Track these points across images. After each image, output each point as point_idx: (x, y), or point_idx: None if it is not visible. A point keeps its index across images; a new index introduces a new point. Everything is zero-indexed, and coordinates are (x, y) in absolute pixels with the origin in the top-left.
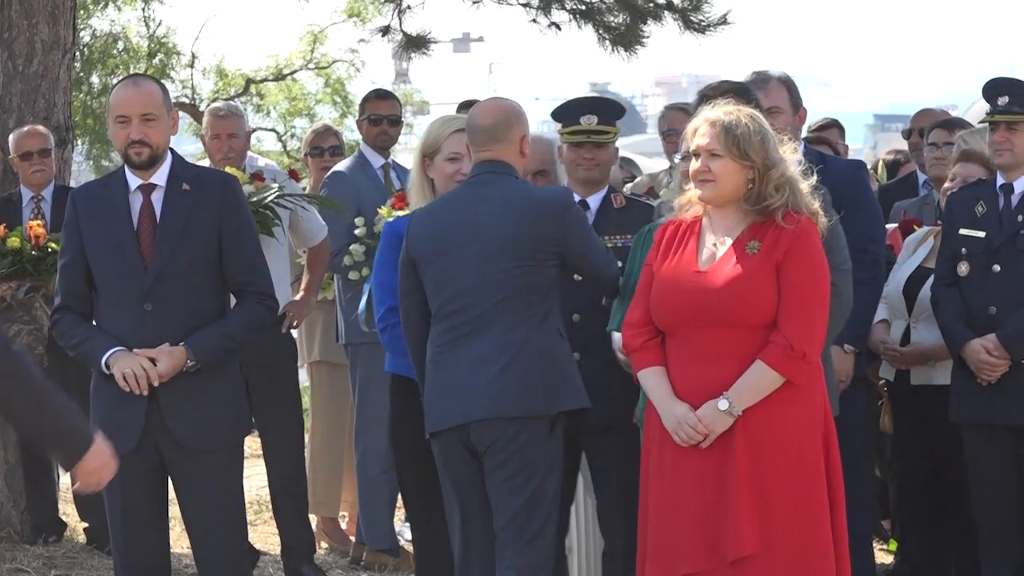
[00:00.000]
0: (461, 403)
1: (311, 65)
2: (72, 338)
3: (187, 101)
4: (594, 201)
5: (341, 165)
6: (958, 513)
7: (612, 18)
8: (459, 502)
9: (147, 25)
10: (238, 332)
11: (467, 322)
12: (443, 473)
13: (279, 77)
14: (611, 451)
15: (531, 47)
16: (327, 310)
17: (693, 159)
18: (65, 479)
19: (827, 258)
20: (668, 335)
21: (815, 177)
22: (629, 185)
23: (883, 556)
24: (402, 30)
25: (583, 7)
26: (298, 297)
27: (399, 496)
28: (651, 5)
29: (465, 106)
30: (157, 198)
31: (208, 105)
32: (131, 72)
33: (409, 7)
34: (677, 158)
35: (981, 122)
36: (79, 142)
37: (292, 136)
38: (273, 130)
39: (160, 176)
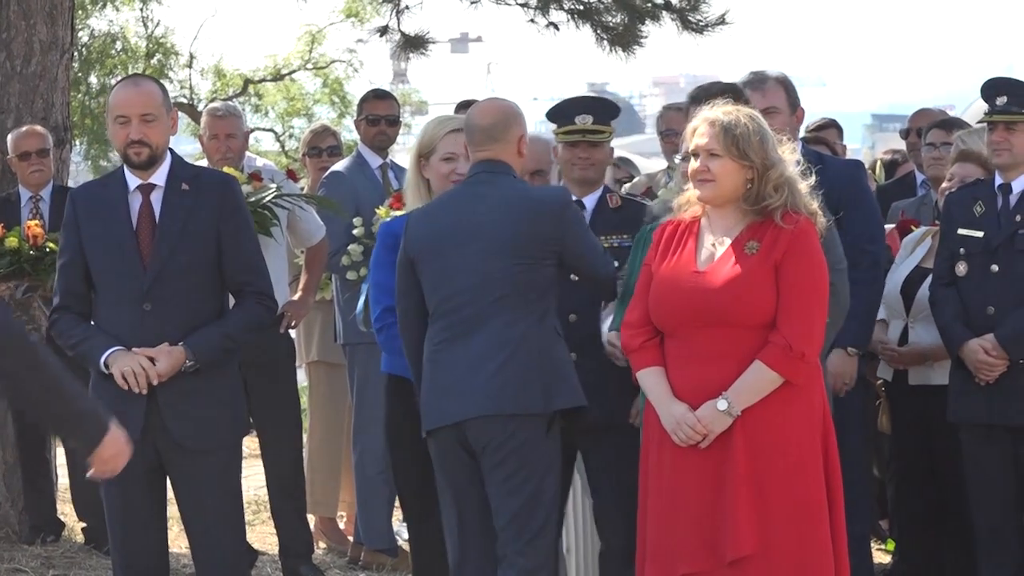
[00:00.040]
0: (458, 401)
1: (309, 65)
2: (71, 338)
3: (185, 101)
4: (590, 201)
5: (339, 165)
6: (956, 513)
7: (610, 18)
8: (455, 502)
9: (145, 25)
10: (237, 332)
11: (465, 320)
12: (439, 472)
13: (277, 77)
14: (608, 451)
15: (529, 47)
16: (325, 310)
17: (692, 159)
18: (63, 479)
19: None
20: (667, 335)
21: (814, 177)
22: (627, 185)
23: (881, 556)
24: (400, 30)
25: (581, 7)
26: (296, 297)
27: (397, 496)
28: (649, 5)
29: (463, 106)
30: (156, 198)
31: (206, 105)
32: (129, 72)
33: (407, 7)
34: (677, 158)
35: (980, 122)
36: (77, 142)
37: (290, 136)
38: (271, 130)
39: (159, 176)
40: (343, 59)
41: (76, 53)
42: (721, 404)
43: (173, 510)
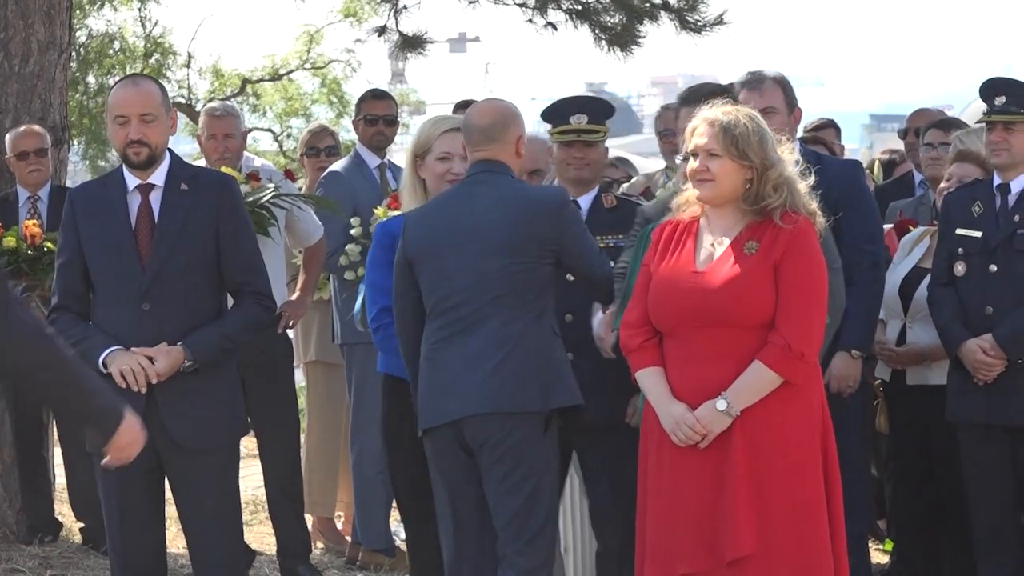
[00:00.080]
0: (455, 399)
1: (307, 65)
2: (69, 337)
3: (183, 101)
4: (585, 201)
5: (337, 165)
6: (954, 513)
7: (608, 18)
8: (451, 501)
9: (143, 25)
10: (236, 332)
11: (462, 318)
12: (435, 471)
13: (275, 77)
14: (604, 451)
15: (527, 47)
16: (323, 310)
17: (691, 159)
18: (61, 479)
19: None
20: (666, 335)
21: (813, 177)
22: (625, 185)
23: (879, 556)
24: (398, 30)
25: (579, 7)
26: (294, 297)
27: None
28: (647, 5)
29: (461, 106)
30: (155, 198)
31: (204, 105)
32: (127, 72)
33: (405, 7)
34: (678, 159)
35: (978, 122)
36: (75, 142)
37: (288, 136)
38: (269, 130)
39: (158, 176)
40: (341, 59)
41: (74, 53)
42: (720, 404)
43: (171, 510)
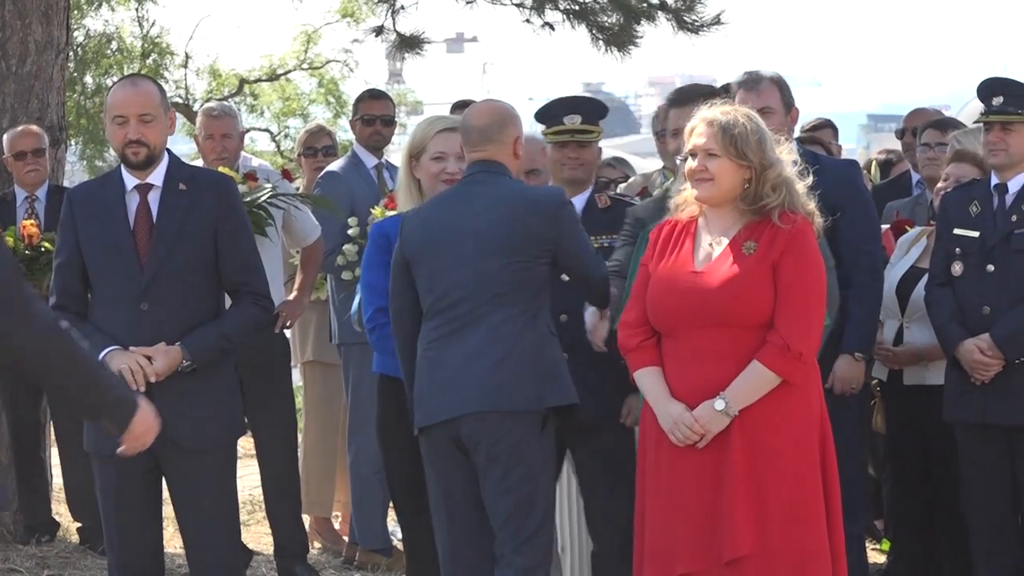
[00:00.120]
0: (452, 397)
1: (305, 65)
2: None
3: (181, 101)
4: (579, 201)
5: (334, 165)
6: (951, 513)
7: (606, 18)
8: (446, 500)
9: (141, 25)
10: (234, 332)
11: (459, 316)
12: (430, 471)
13: (273, 77)
14: (599, 451)
15: (525, 47)
16: (320, 310)
17: (690, 159)
18: (58, 479)
19: None
20: (664, 335)
21: (811, 178)
22: (623, 185)
23: (876, 556)
24: (396, 30)
25: (576, 7)
26: (291, 297)
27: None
28: (644, 5)
29: (459, 106)
30: (153, 198)
31: (202, 105)
32: (124, 72)
33: (403, 7)
34: (678, 159)
35: (976, 122)
36: (73, 142)
37: (286, 136)
38: (267, 130)
39: (157, 176)
40: (339, 59)
41: (72, 53)
42: (718, 404)
43: (168, 510)
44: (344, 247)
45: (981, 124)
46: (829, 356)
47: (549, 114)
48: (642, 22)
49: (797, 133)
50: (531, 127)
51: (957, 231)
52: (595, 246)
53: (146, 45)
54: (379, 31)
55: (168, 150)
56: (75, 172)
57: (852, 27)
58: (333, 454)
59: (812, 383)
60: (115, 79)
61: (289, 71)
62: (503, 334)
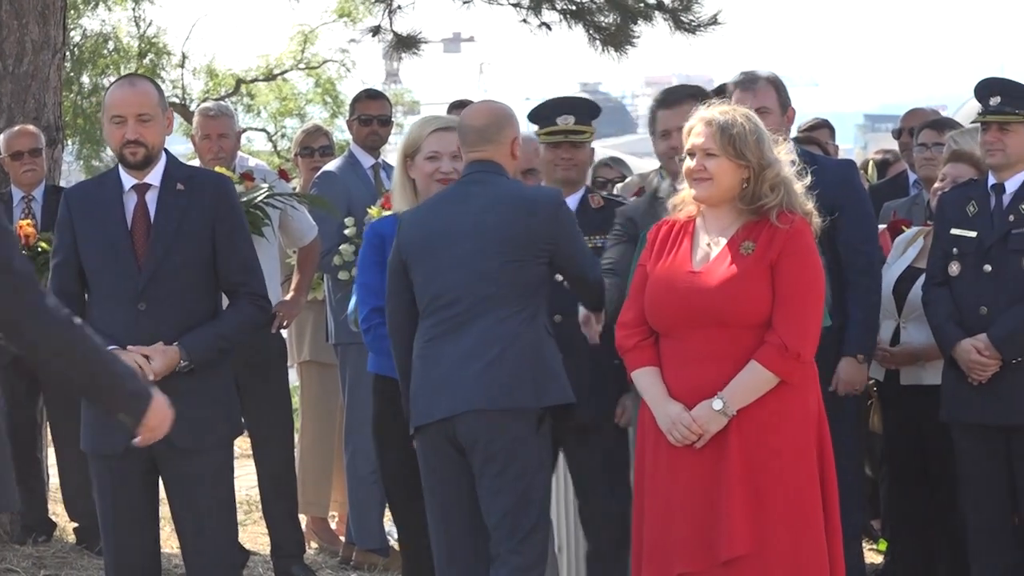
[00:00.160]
0: (448, 396)
1: (301, 65)
2: None
3: (177, 101)
4: (572, 201)
5: (331, 165)
6: (948, 513)
7: (602, 18)
8: (441, 500)
9: (137, 25)
10: (231, 333)
11: (456, 315)
12: (425, 470)
13: (269, 77)
14: (594, 452)
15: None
16: (317, 310)
17: (688, 158)
18: (55, 479)
19: None
20: (662, 335)
21: (809, 178)
22: (620, 185)
23: (873, 556)
24: (392, 30)
25: (573, 7)
26: (288, 297)
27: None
28: (641, 5)
29: (456, 106)
30: (151, 198)
31: (198, 105)
32: (121, 72)
33: (399, 7)
34: (678, 160)
35: (973, 122)
36: (69, 142)
37: (282, 136)
38: (263, 130)
39: (154, 176)
40: (335, 59)
41: (68, 53)
42: (716, 404)
43: (164, 510)
44: (341, 247)
45: (978, 124)
46: (830, 358)
47: (542, 115)
48: (639, 22)
49: (794, 133)
50: (526, 127)
51: (954, 231)
52: (589, 246)
53: (143, 45)
54: (376, 31)
55: (166, 150)
56: (72, 172)
57: (849, 27)
58: (330, 454)
59: (810, 383)
60: (112, 79)
61: (286, 71)
62: (499, 333)
